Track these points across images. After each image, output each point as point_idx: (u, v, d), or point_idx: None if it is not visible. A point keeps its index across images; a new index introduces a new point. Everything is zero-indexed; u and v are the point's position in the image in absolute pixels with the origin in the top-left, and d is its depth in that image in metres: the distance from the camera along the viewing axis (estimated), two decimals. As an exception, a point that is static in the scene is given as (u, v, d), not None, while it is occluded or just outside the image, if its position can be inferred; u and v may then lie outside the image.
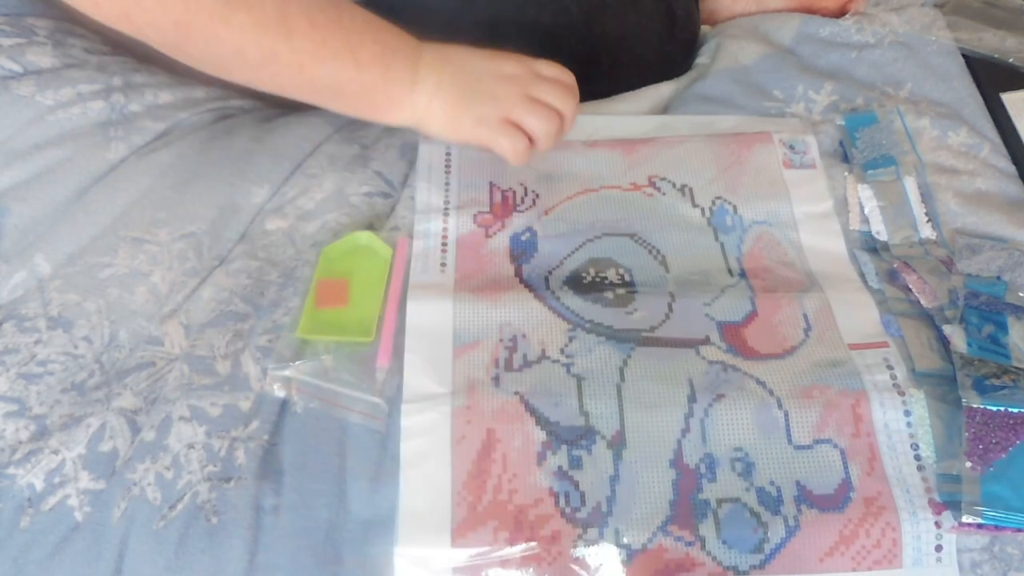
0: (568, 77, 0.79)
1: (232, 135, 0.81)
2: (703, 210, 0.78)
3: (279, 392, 0.66)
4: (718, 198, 0.79)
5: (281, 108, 0.88)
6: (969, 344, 0.67)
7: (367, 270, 0.72)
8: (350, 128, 0.84)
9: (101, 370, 0.67)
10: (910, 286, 0.72)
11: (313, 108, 0.86)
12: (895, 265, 0.74)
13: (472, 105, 0.75)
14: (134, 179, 0.76)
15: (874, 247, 0.77)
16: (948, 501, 0.61)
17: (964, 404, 0.63)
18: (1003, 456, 0.62)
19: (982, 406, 0.63)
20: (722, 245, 0.76)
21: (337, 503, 0.62)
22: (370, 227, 0.76)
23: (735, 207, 0.78)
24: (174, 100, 0.82)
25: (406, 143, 0.82)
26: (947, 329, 0.68)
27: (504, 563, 0.60)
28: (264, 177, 0.78)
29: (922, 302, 0.71)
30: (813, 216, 0.78)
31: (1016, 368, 0.66)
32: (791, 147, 0.82)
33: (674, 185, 0.79)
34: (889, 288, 0.72)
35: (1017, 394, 0.64)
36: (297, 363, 0.66)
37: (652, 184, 0.79)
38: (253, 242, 0.75)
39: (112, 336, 0.69)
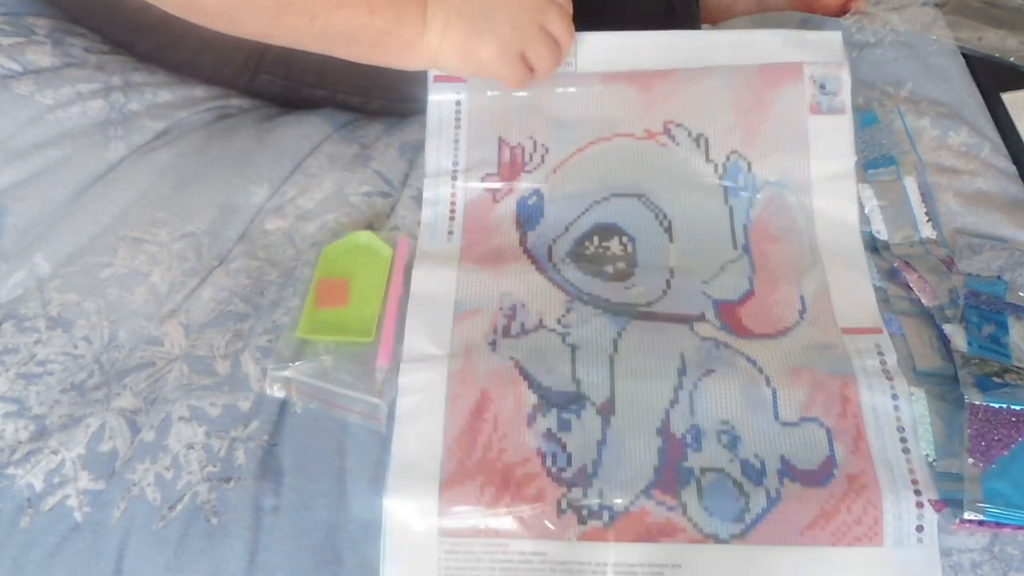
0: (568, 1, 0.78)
1: (232, 134, 0.81)
2: (716, 166, 0.77)
3: (278, 393, 0.65)
4: (733, 152, 0.77)
5: (281, 107, 0.88)
6: (969, 343, 0.67)
7: (367, 270, 0.72)
8: (350, 127, 0.84)
9: (101, 370, 0.67)
10: (911, 285, 0.72)
11: (313, 108, 0.86)
12: (896, 264, 0.73)
13: (485, 40, 0.73)
14: (134, 179, 0.76)
15: (874, 246, 0.77)
16: (949, 499, 0.61)
17: (967, 401, 0.63)
18: (1005, 453, 0.61)
19: (984, 403, 0.63)
20: (731, 209, 0.76)
21: (337, 503, 0.62)
22: (370, 227, 0.76)
23: (750, 164, 0.76)
24: (174, 99, 0.82)
25: (406, 142, 0.82)
26: (947, 328, 0.68)
27: (489, 517, 0.60)
28: (264, 176, 0.78)
29: (923, 301, 0.71)
30: (829, 177, 0.76)
31: (1017, 367, 0.66)
32: (822, 86, 0.78)
33: (689, 134, 0.77)
34: (890, 287, 0.72)
35: (1019, 392, 0.64)
36: (296, 364, 0.66)
37: (667, 132, 0.78)
38: (253, 242, 0.75)
39: (112, 336, 0.69)
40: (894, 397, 0.65)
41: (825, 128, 0.77)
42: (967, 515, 0.59)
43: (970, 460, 0.61)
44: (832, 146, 0.77)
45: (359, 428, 0.64)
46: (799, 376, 0.66)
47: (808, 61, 0.79)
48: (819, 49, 0.80)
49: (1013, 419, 0.63)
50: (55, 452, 0.63)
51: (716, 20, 1.02)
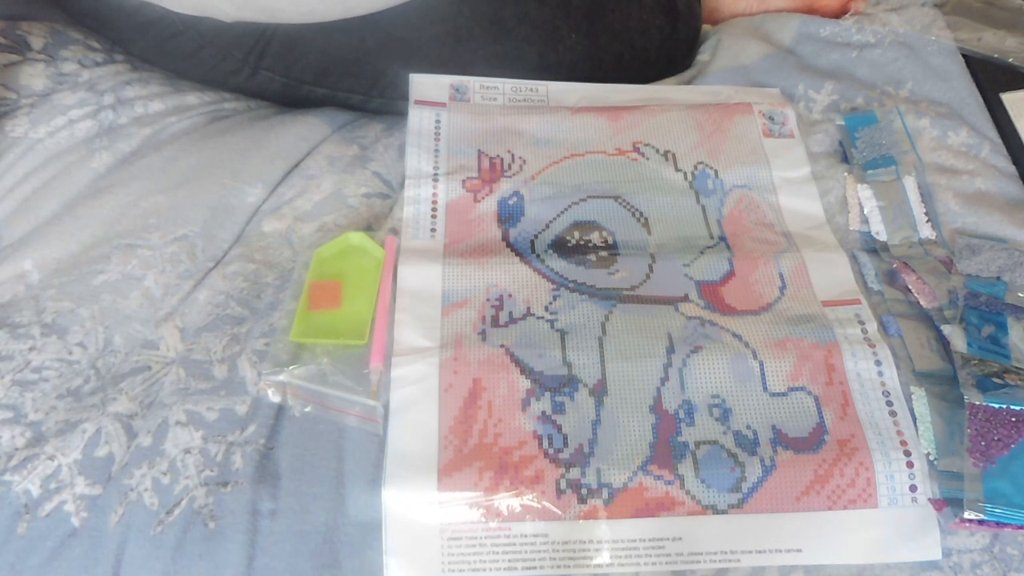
0: None
1: (226, 135, 0.81)
2: (685, 174, 0.81)
3: (273, 397, 0.65)
4: (700, 163, 0.81)
5: (279, 106, 0.88)
6: (969, 344, 0.67)
7: (360, 271, 0.72)
8: (349, 128, 0.85)
9: (96, 375, 0.67)
10: (909, 287, 0.72)
11: (312, 106, 0.86)
12: (894, 265, 0.73)
13: None
14: (124, 183, 0.76)
15: (874, 247, 0.76)
16: (949, 498, 0.61)
17: (966, 401, 0.63)
18: (1006, 453, 0.62)
19: (984, 403, 0.63)
20: (703, 208, 0.79)
21: (335, 507, 0.62)
22: (368, 228, 0.75)
23: (716, 172, 0.81)
24: (165, 109, 0.82)
25: (405, 143, 0.82)
26: (946, 329, 0.68)
27: (489, 501, 0.61)
28: (257, 176, 0.78)
29: (921, 303, 0.71)
30: (792, 180, 0.81)
31: (1017, 368, 0.66)
32: (770, 118, 0.85)
33: (657, 151, 0.82)
34: (889, 290, 0.72)
35: (1019, 392, 0.64)
36: (291, 368, 0.65)
37: (636, 149, 0.82)
38: (250, 244, 0.75)
39: (107, 341, 0.69)
40: (877, 363, 0.67)
41: (780, 148, 0.83)
42: (968, 514, 0.59)
43: (971, 460, 0.61)
44: (789, 161, 0.82)
45: (357, 431, 0.64)
46: (784, 348, 0.68)
47: (755, 102, 0.87)
48: (763, 96, 0.88)
49: (1013, 419, 0.63)
50: (51, 458, 0.63)
51: (717, 20, 1.02)
